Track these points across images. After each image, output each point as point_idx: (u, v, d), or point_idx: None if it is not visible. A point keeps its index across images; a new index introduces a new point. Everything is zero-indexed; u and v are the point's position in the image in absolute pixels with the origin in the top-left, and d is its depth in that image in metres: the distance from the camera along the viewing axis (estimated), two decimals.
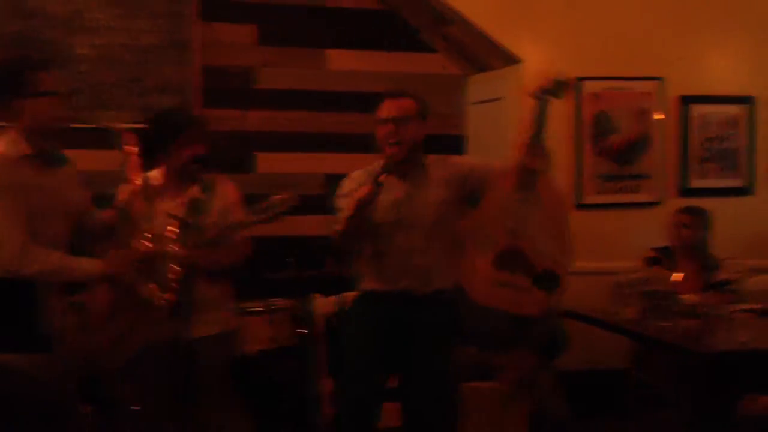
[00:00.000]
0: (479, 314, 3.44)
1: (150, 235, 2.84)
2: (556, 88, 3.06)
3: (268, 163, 4.91)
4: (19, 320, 2.22)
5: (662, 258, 4.25)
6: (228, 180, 3.33)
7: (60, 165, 2.85)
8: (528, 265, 3.02)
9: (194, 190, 3.04)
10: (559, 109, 4.53)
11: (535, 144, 3.01)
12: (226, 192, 3.27)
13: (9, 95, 2.71)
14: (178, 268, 2.86)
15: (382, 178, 2.99)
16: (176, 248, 2.87)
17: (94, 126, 2.90)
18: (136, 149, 2.94)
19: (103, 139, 2.97)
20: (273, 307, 4.06)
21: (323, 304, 3.89)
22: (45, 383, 2.54)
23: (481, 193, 3.19)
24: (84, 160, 3.06)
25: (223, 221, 3.17)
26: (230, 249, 3.18)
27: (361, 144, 4.40)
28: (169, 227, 2.92)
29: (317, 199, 4.83)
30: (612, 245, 4.59)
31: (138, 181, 2.91)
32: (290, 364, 4.07)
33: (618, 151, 4.69)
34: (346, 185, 3.27)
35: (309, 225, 4.81)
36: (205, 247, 2.99)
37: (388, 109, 3.17)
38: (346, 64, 4.99)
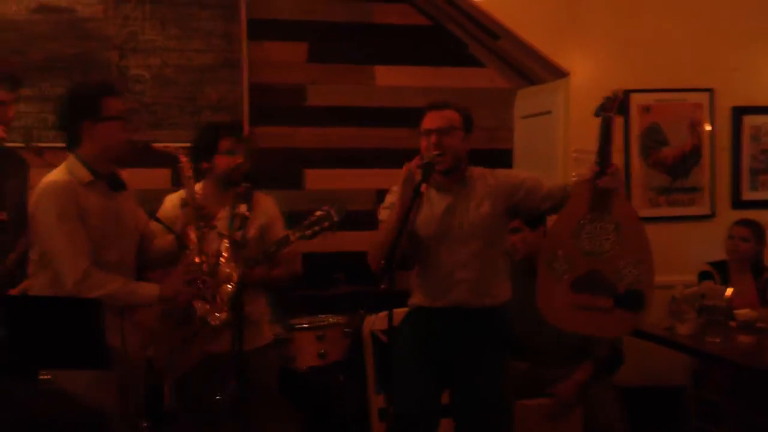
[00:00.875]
0: (533, 329, 3.43)
1: (203, 256, 2.88)
2: (612, 103, 3.03)
3: (318, 179, 4.96)
4: (83, 337, 2.27)
5: (717, 272, 4.19)
6: (268, 195, 3.38)
7: (121, 189, 2.90)
8: (609, 286, 2.96)
9: (236, 205, 3.08)
10: None
11: (604, 163, 2.96)
12: (266, 207, 3.32)
13: (80, 120, 2.78)
14: (230, 287, 2.89)
15: (423, 187, 2.97)
16: (228, 268, 2.92)
17: (150, 147, 2.93)
18: (189, 167, 2.99)
19: (155, 158, 3.03)
20: (322, 323, 4.08)
21: (373, 320, 3.90)
22: (104, 400, 2.59)
23: (531, 207, 3.17)
24: (134, 178, 3.11)
25: (264, 237, 3.23)
26: (279, 266, 3.23)
27: (411, 159, 4.43)
28: (221, 248, 2.97)
29: (367, 215, 4.89)
30: (665, 259, 4.46)
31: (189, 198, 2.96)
32: (340, 380, 4.09)
33: (670, 163, 4.63)
34: (388, 199, 3.26)
35: (359, 241, 4.83)
36: (251, 264, 3.03)
37: (431, 120, 3.15)
38: (394, 80, 5.02)
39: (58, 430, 0.91)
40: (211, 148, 3.23)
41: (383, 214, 3.21)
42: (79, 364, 2.38)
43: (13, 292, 3.05)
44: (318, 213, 3.06)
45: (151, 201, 3.32)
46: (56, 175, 2.77)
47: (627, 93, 4.54)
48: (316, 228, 3.01)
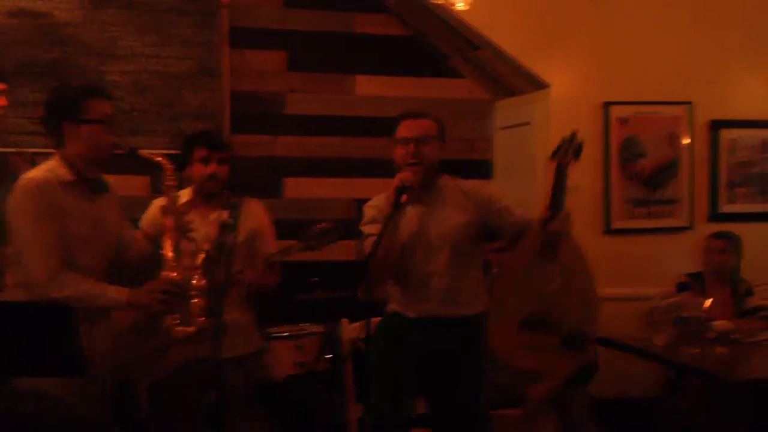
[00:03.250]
0: None
1: (175, 265, 2.85)
2: (566, 148, 3.04)
3: (297, 188, 4.95)
4: (54, 344, 2.24)
5: (694, 284, 4.21)
6: (258, 202, 3.36)
7: (102, 192, 2.87)
8: (555, 327, 2.99)
9: (221, 213, 3.06)
10: (588, 134, 4.55)
11: (556, 208, 2.98)
12: (256, 213, 3.30)
13: (61, 120, 2.75)
14: (198, 301, 2.86)
15: (404, 198, 2.97)
16: (200, 282, 2.89)
17: (133, 154, 2.89)
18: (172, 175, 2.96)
19: (135, 165, 2.99)
20: (300, 332, 4.06)
21: (351, 329, 3.88)
22: (79, 407, 2.55)
23: (497, 227, 3.18)
24: (114, 184, 3.07)
25: (252, 243, 3.21)
26: (271, 272, 3.21)
27: (390, 169, 4.42)
28: (195, 261, 2.95)
29: (345, 224, 4.87)
30: (642, 270, 4.55)
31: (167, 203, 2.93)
32: (318, 389, 4.06)
33: (648, 175, 4.66)
34: (368, 213, 3.26)
35: (336, 250, 4.81)
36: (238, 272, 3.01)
37: (407, 128, 3.16)
38: (374, 90, 5.02)
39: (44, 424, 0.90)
40: (186, 157, 3.22)
41: (367, 228, 3.21)
42: (52, 371, 2.34)
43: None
44: (323, 225, 3.05)
45: (130, 208, 3.28)
46: (36, 172, 2.74)
47: (606, 105, 4.58)
48: (322, 240, 3.01)
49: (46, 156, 2.88)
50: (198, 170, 3.20)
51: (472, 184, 3.27)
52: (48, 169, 2.75)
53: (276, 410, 3.86)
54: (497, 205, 3.19)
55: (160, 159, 2.91)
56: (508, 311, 3.03)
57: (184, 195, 3.22)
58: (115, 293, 2.75)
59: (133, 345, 3.01)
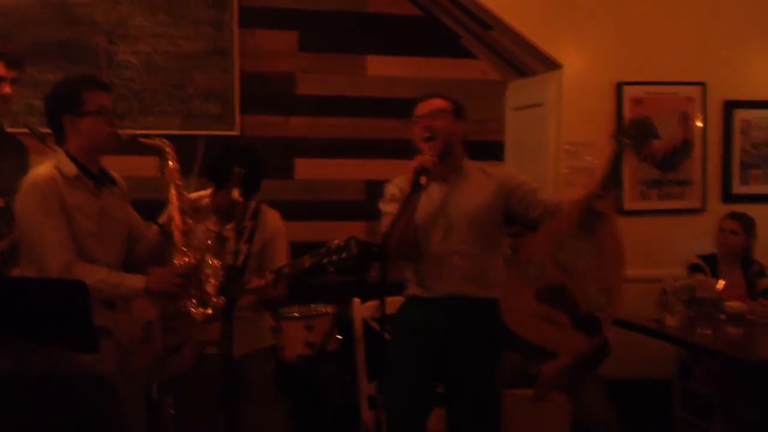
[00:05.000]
0: None
1: (187, 250, 2.84)
2: (635, 132, 2.98)
3: (308, 169, 4.94)
4: (69, 319, 2.24)
5: (707, 265, 4.19)
6: (274, 210, 3.34)
7: (108, 185, 2.86)
8: (571, 305, 2.95)
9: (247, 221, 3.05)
10: (601, 115, 4.54)
11: (607, 186, 2.94)
12: (272, 221, 3.29)
13: (61, 115, 2.74)
14: (213, 282, 2.86)
15: (423, 179, 2.95)
16: (213, 263, 2.88)
17: (135, 141, 2.88)
18: (176, 166, 2.94)
19: (142, 146, 2.97)
20: (312, 312, 4.06)
21: (363, 309, 3.88)
22: (96, 367, 2.56)
23: (521, 212, 3.15)
24: (123, 165, 3.07)
25: (264, 251, 3.20)
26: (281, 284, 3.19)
27: (402, 150, 4.39)
28: (207, 242, 2.95)
29: (357, 205, 4.87)
30: (655, 252, 4.53)
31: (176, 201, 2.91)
32: (329, 369, 4.07)
33: (661, 156, 4.63)
34: (389, 190, 3.25)
35: (349, 231, 4.81)
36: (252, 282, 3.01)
37: (421, 107, 3.18)
38: (386, 70, 5.00)
39: (60, 381, 0.90)
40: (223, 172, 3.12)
41: (386, 206, 3.19)
42: (66, 346, 2.34)
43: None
44: (336, 242, 3.03)
45: (140, 189, 3.28)
46: (41, 169, 2.73)
47: (620, 85, 4.55)
48: (333, 258, 2.99)
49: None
50: (222, 199, 3.16)
51: (497, 168, 3.30)
52: (52, 164, 2.73)
53: (287, 390, 3.87)
54: (524, 188, 3.16)
55: (160, 142, 2.91)
56: (527, 276, 2.99)
57: (203, 195, 3.20)
58: (133, 281, 2.75)
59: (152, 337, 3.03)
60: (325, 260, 2.98)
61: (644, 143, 2.98)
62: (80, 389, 0.99)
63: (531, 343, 3.08)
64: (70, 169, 2.73)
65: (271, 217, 3.33)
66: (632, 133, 2.96)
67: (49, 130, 2.85)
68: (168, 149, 2.91)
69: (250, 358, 3.19)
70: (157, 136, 2.99)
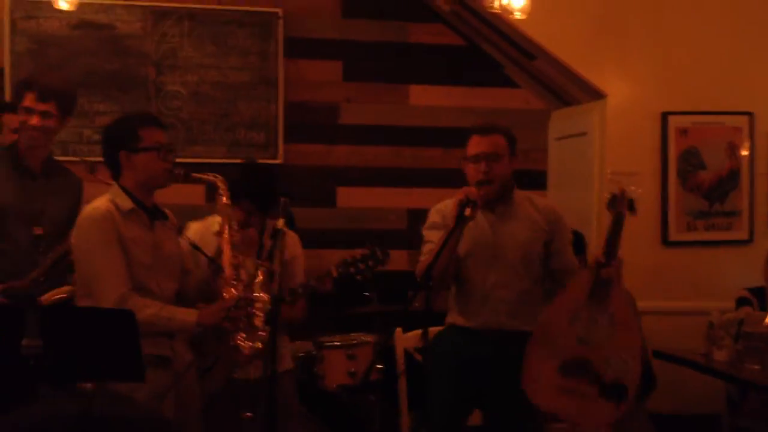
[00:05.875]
0: None
1: (237, 283, 2.88)
2: (621, 200, 3.01)
3: (350, 197, 4.96)
4: (116, 348, 2.27)
5: (755, 298, 4.11)
6: (294, 234, 3.36)
7: (161, 219, 2.91)
8: (595, 375, 2.95)
9: (265, 240, 3.09)
10: (646, 145, 4.50)
11: (610, 255, 2.95)
12: (291, 244, 3.30)
13: (117, 150, 2.81)
14: (262, 315, 2.88)
15: (468, 211, 2.94)
16: (263, 295, 2.91)
17: (187, 177, 2.93)
18: (228, 202, 2.99)
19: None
20: (354, 341, 4.06)
21: (405, 339, 3.87)
22: (159, 410, 2.60)
23: (545, 260, 3.17)
24: (170, 193, 3.07)
25: (284, 273, 3.21)
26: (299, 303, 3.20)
27: (444, 179, 4.42)
28: (256, 274, 2.98)
29: (399, 234, 4.88)
30: (702, 284, 4.46)
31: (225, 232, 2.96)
32: (371, 399, 4.05)
33: (707, 187, 4.57)
34: (432, 217, 3.25)
35: (391, 259, 4.82)
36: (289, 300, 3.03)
37: (477, 144, 3.12)
38: (428, 100, 5.02)
39: (123, 425, 0.91)
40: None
41: (428, 234, 3.20)
42: (112, 375, 2.38)
43: (43, 299, 3.07)
44: (361, 251, 3.04)
45: (187, 216, 3.33)
46: (98, 202, 2.81)
47: (665, 115, 4.51)
48: (361, 266, 3.00)
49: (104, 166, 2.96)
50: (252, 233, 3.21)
51: (546, 202, 3.30)
52: (108, 198, 2.80)
53: (328, 420, 3.86)
54: (563, 237, 3.20)
55: (212, 177, 2.97)
56: (548, 353, 3.00)
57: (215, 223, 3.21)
58: (185, 315, 2.79)
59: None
60: (352, 269, 2.99)
61: (632, 209, 3.02)
62: (143, 431, 1.02)
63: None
64: (126, 203, 2.79)
65: (291, 240, 3.32)
66: (619, 201, 3.00)
67: (99, 159, 2.91)
68: (220, 184, 2.97)
69: (283, 377, 3.19)
70: (210, 170, 3.03)
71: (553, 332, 3.02)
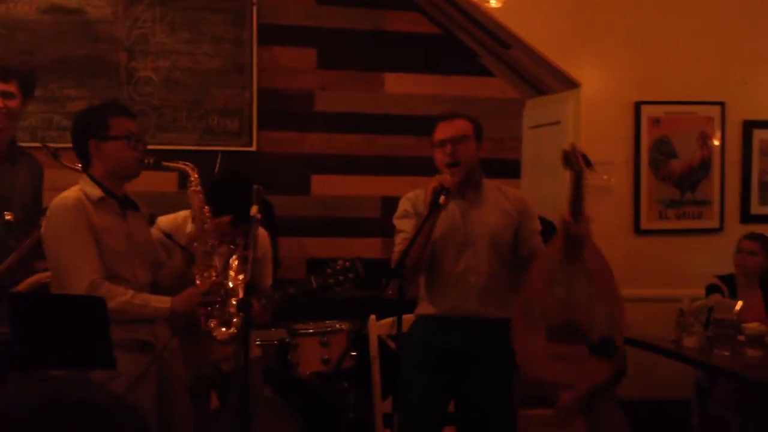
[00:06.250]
0: None
1: (210, 269, 2.86)
2: (574, 157, 3.01)
3: (324, 185, 4.95)
4: (87, 336, 2.25)
5: (725, 285, 4.16)
6: (262, 229, 3.30)
7: (134, 209, 2.89)
8: (582, 335, 2.96)
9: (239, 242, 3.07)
10: (619, 133, 4.53)
11: (576, 213, 2.95)
12: (262, 241, 3.28)
13: (86, 139, 2.78)
14: (235, 301, 2.86)
15: (442, 199, 2.95)
16: (235, 283, 2.89)
17: (158, 166, 2.90)
18: (199, 189, 2.95)
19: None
20: (328, 328, 4.06)
21: (379, 326, 3.87)
22: (129, 397, 2.58)
23: (513, 247, 3.18)
24: (141, 181, 3.02)
25: (255, 270, 3.19)
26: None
27: (418, 167, 4.41)
28: (230, 263, 2.97)
29: (373, 222, 4.88)
30: (673, 272, 4.51)
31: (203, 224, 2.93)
32: (345, 386, 4.06)
33: (678, 176, 4.61)
34: (402, 205, 3.25)
35: (365, 247, 4.84)
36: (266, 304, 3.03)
37: (443, 130, 3.15)
38: (403, 88, 5.01)
39: (92, 411, 0.90)
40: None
41: (400, 223, 3.20)
42: (83, 363, 2.36)
43: (18, 288, 3.04)
44: (341, 262, 3.04)
45: (159, 203, 3.30)
46: (68, 193, 2.77)
47: (638, 105, 4.54)
48: (340, 278, 3.00)
49: (69, 152, 2.92)
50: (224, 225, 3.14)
51: (515, 191, 3.32)
52: (77, 188, 2.77)
53: (302, 407, 3.86)
54: (531, 225, 3.22)
55: (183, 166, 2.94)
56: (533, 323, 3.00)
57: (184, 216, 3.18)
58: (158, 302, 2.77)
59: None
60: (331, 280, 3.00)
61: (588, 163, 2.98)
62: (113, 418, 1.01)
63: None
64: (96, 191, 2.75)
65: (261, 237, 3.30)
66: (573, 159, 2.98)
67: (63, 146, 2.88)
68: (191, 172, 2.94)
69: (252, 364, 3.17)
70: (182, 158, 3.00)
71: (534, 301, 3.02)
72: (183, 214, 3.23)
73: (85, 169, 2.82)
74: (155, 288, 2.92)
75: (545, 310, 2.99)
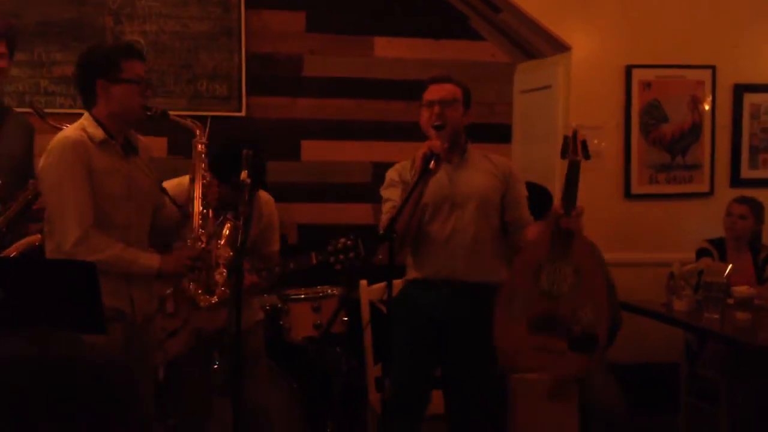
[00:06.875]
0: None
1: (203, 233, 2.82)
2: (574, 144, 3.00)
3: (315, 150, 4.92)
4: (77, 300, 2.24)
5: (715, 249, 4.18)
6: (267, 194, 3.31)
7: (135, 153, 2.83)
8: (564, 329, 2.97)
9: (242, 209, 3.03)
10: (609, 98, 4.52)
11: (569, 205, 2.95)
12: (267, 206, 3.27)
13: (95, 78, 2.71)
14: (224, 272, 2.85)
15: (432, 164, 2.94)
16: (224, 252, 2.88)
17: (164, 116, 2.84)
18: (204, 150, 2.90)
19: (153, 126, 2.93)
20: (319, 294, 4.06)
21: (370, 291, 3.88)
22: (118, 356, 2.57)
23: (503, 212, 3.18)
24: None
25: (258, 239, 3.17)
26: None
27: (409, 132, 4.37)
28: (222, 231, 2.95)
29: (364, 187, 4.86)
30: (663, 236, 4.53)
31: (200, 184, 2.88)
32: (337, 351, 4.07)
33: (669, 140, 4.61)
34: (389, 176, 3.26)
35: (356, 213, 4.83)
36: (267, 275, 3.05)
37: (433, 92, 3.15)
38: (394, 52, 4.96)
39: (79, 363, 0.90)
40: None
41: (388, 192, 3.21)
42: (73, 327, 2.34)
43: (8, 252, 3.01)
44: (344, 240, 3.02)
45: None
46: (69, 131, 2.71)
47: (629, 68, 4.52)
48: (341, 257, 2.99)
49: (58, 117, 2.86)
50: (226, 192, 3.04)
51: (500, 157, 3.31)
52: (80, 127, 2.70)
53: (294, 372, 3.87)
54: (517, 190, 3.22)
55: (191, 123, 2.88)
56: (515, 312, 3.01)
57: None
58: (147, 259, 2.73)
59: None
60: (332, 258, 3.00)
61: (586, 154, 2.99)
62: (98, 370, 1.01)
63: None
64: (98, 132, 2.70)
65: (266, 202, 3.29)
66: (573, 148, 2.98)
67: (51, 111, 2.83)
68: (198, 131, 2.88)
69: (244, 334, 3.17)
70: (189, 116, 2.93)
71: (518, 290, 3.04)
72: (189, 178, 3.20)
73: (88, 109, 2.76)
74: (154, 230, 2.89)
75: (528, 299, 3.01)
